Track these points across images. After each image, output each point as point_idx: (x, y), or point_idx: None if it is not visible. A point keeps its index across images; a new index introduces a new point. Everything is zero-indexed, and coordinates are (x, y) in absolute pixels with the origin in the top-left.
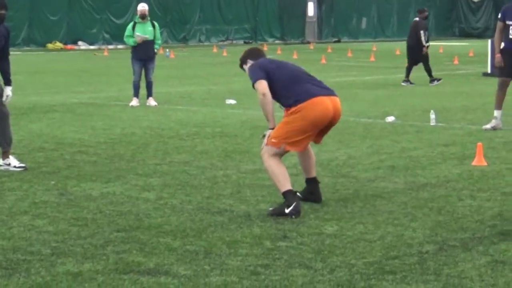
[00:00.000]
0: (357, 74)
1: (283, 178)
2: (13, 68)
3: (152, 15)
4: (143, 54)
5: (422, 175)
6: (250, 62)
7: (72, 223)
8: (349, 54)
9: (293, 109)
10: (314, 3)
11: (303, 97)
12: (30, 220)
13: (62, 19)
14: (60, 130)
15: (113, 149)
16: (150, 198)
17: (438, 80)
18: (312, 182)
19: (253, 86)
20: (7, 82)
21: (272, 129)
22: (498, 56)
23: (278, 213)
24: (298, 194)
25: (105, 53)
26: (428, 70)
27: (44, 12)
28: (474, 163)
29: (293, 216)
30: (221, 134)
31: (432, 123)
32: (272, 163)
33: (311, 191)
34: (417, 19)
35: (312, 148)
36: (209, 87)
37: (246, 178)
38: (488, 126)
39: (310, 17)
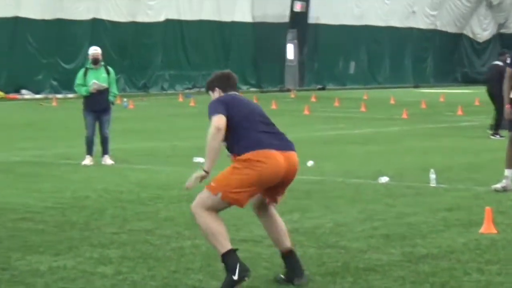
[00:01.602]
0: (346, 126)
1: (222, 238)
2: None
3: (107, 60)
4: (97, 105)
5: (422, 245)
6: (217, 91)
7: None
8: (336, 104)
9: (242, 157)
10: (294, 45)
11: (254, 147)
12: None
13: (2, 64)
14: (0, 194)
15: (63, 216)
16: (107, 272)
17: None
18: (289, 256)
19: (209, 117)
20: None
21: (206, 172)
22: (508, 107)
23: (229, 286)
24: (281, 276)
25: (54, 103)
26: (498, 120)
27: None
28: (482, 230)
29: (246, 279)
30: (188, 198)
31: (433, 184)
32: (208, 219)
33: (291, 268)
34: (499, 63)
35: (294, 214)
36: (174, 142)
37: None
38: (498, 186)
39: (290, 60)
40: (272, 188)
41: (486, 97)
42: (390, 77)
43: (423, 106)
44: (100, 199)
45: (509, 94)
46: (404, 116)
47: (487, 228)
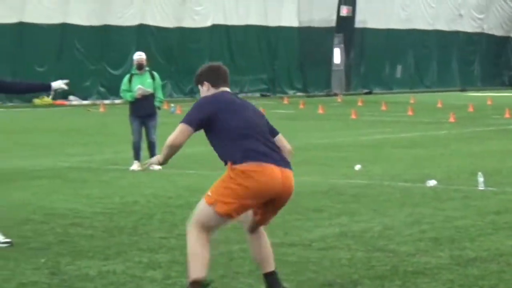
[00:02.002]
0: (393, 130)
1: (200, 264)
2: None
3: (154, 65)
4: (143, 110)
5: (471, 248)
6: (206, 85)
7: None
8: (383, 108)
9: (239, 167)
10: (341, 49)
11: (253, 157)
12: None
13: (50, 70)
14: (49, 199)
15: (111, 221)
16: (156, 277)
17: None
18: (270, 277)
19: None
20: None
21: (161, 162)
22: None
23: None
24: None
25: (101, 109)
26: None
27: (30, 63)
28: None
29: None
30: None
31: (481, 187)
32: (198, 241)
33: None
34: None
35: (343, 218)
36: None
37: None
38: None
39: (337, 65)
40: (264, 206)
41: None
42: (437, 80)
43: (471, 109)
44: (148, 204)
45: None
46: (452, 119)
47: None
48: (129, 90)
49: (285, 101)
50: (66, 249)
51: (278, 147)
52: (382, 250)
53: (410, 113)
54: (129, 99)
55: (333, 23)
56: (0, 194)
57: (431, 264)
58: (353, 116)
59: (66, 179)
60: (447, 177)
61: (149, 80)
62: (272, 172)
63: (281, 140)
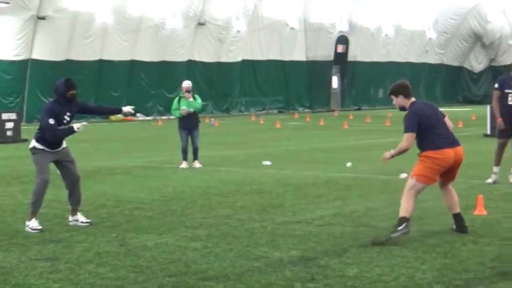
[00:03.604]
0: (375, 137)
1: (410, 209)
2: (81, 137)
3: (199, 90)
4: (188, 123)
5: (431, 224)
6: (401, 97)
7: (130, 270)
8: (368, 120)
9: (427, 153)
10: (337, 77)
11: (435, 146)
12: (94, 268)
13: (122, 94)
14: (120, 190)
15: (165, 205)
16: (197, 247)
17: None
18: (457, 216)
19: (405, 130)
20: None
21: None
22: (499, 120)
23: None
24: (453, 227)
25: (159, 123)
26: None
27: (108, 89)
28: (475, 212)
29: (404, 235)
30: (258, 191)
31: None
32: (409, 200)
33: (458, 223)
34: None
35: (337, 202)
36: (248, 150)
37: (280, 229)
38: (490, 180)
39: (335, 88)
40: (447, 172)
41: (479, 113)
42: None
43: None
44: (192, 193)
45: (498, 110)
46: None
47: (479, 210)
48: (178, 109)
49: (296, 116)
50: (131, 226)
51: (450, 131)
52: (365, 226)
53: (387, 123)
54: (178, 115)
55: (331, 58)
56: (85, 186)
57: (403, 236)
58: (345, 127)
59: (133, 174)
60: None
61: (193, 101)
62: (448, 154)
63: (447, 120)
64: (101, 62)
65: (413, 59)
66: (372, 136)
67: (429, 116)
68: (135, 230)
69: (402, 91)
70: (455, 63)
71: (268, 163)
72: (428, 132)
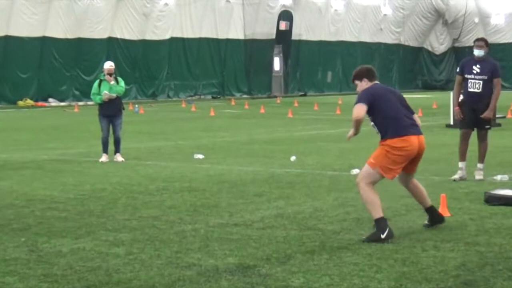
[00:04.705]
0: (323, 127)
1: (377, 206)
2: None
3: (121, 72)
4: (110, 110)
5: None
6: (365, 81)
7: (42, 280)
8: (316, 108)
9: (391, 142)
10: (280, 58)
11: (400, 133)
12: (1, 277)
13: (32, 76)
14: (30, 187)
15: (83, 205)
16: (120, 253)
17: None
18: (430, 210)
19: (355, 103)
20: None
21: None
22: (457, 109)
23: (374, 240)
24: (426, 222)
25: (75, 110)
26: None
27: (15, 70)
28: None
29: (390, 240)
30: (189, 189)
31: None
32: (368, 191)
33: (432, 216)
34: None
35: (280, 202)
36: (177, 142)
37: (214, 232)
38: (456, 176)
39: (277, 71)
40: (407, 164)
41: (442, 101)
42: None
43: None
44: (114, 191)
45: (458, 97)
46: None
47: (442, 211)
48: (98, 94)
49: (233, 103)
50: (43, 229)
51: (414, 119)
52: (312, 229)
53: (338, 112)
54: (98, 101)
55: (273, 36)
56: None
57: (354, 240)
58: (289, 115)
59: (45, 169)
60: None
61: (115, 84)
62: (414, 142)
63: (416, 118)
64: (6, 38)
65: (366, 38)
66: (320, 125)
67: (388, 99)
68: (47, 233)
69: (366, 74)
70: (413, 43)
71: (200, 156)
72: (389, 118)
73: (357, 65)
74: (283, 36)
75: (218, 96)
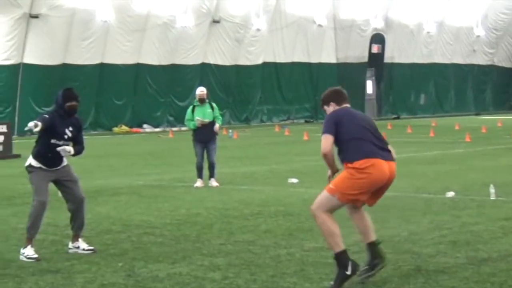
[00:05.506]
0: (417, 149)
1: (337, 238)
2: None
3: (214, 97)
4: (204, 136)
5: (484, 249)
6: (332, 105)
7: None
8: (409, 130)
9: (354, 165)
10: (372, 81)
11: (365, 155)
12: None
13: (127, 103)
14: (126, 212)
15: (178, 230)
16: (216, 278)
17: None
18: (371, 246)
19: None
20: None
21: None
22: None
23: (341, 280)
24: (364, 268)
25: (170, 135)
26: None
27: (110, 97)
28: None
29: (357, 273)
30: (284, 213)
31: (492, 197)
32: (326, 221)
33: (374, 255)
34: None
35: (374, 225)
36: (271, 166)
37: (310, 256)
38: None
39: (369, 94)
40: (374, 192)
41: None
42: (455, 106)
43: (484, 130)
44: (209, 216)
45: None
46: (467, 139)
47: None
48: (192, 120)
49: None
50: (140, 254)
51: (385, 144)
52: (407, 252)
53: (431, 134)
54: (192, 127)
55: (365, 59)
56: (87, 208)
57: (450, 263)
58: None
59: (140, 195)
60: (464, 188)
61: (209, 110)
62: (382, 166)
63: (391, 149)
64: (102, 66)
65: (459, 60)
66: (414, 148)
67: (353, 120)
68: (144, 258)
69: (333, 97)
70: (507, 64)
71: (295, 180)
72: (355, 139)
73: (450, 87)
74: (376, 59)
75: (311, 120)
